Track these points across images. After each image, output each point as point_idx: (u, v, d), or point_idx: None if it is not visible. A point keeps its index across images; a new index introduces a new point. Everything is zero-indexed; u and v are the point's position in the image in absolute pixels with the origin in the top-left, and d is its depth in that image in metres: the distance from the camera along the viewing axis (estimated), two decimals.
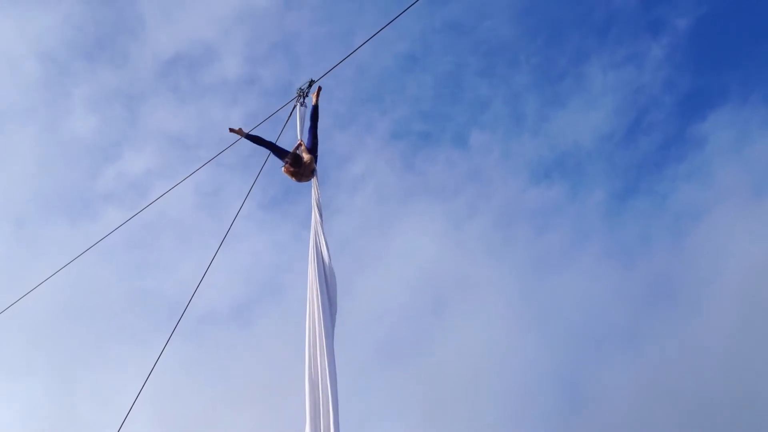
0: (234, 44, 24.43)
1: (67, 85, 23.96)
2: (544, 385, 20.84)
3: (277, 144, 8.70)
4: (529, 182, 24.89)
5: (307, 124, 8.80)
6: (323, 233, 7.73)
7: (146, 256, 22.85)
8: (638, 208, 23.71)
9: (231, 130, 8.75)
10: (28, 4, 23.80)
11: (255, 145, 8.64)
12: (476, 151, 25.12)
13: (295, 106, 9.03)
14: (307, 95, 9.02)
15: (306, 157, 8.36)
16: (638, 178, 24.49)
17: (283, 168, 8.30)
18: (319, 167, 8.38)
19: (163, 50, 23.72)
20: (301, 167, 8.26)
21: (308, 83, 8.99)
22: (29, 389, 20.01)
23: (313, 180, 8.27)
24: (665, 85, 24.76)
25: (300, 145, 8.60)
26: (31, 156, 23.34)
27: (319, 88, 8.91)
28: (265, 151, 8.72)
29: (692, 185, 23.48)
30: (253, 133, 8.73)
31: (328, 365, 7.01)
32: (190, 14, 24.20)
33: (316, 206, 7.97)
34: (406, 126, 25.41)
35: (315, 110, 8.82)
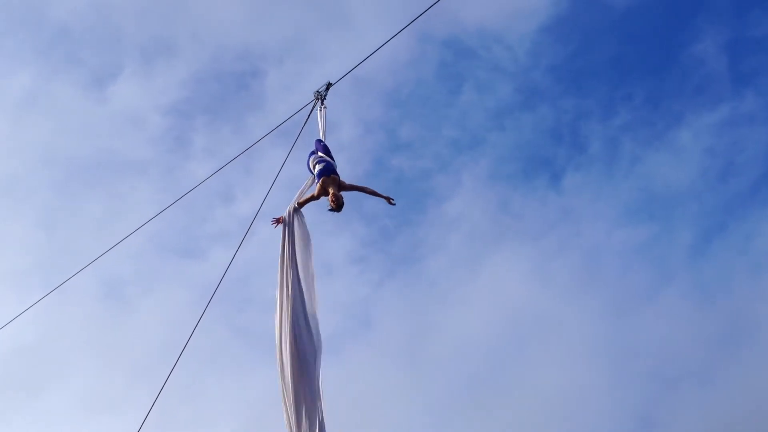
0: (347, 107, 25.62)
1: (188, 134, 25.82)
2: (621, 424, 20.43)
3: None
4: (617, 223, 24.98)
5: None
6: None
7: (249, 293, 23.74)
8: (722, 249, 23.20)
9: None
10: (154, 62, 26.15)
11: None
12: (569, 191, 25.34)
13: (313, 108, 9.28)
14: (324, 98, 9.29)
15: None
16: (725, 220, 24.05)
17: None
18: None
19: (280, 119, 25.17)
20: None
21: (326, 85, 9.29)
22: (129, 424, 20.58)
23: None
24: (756, 129, 24.32)
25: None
26: (150, 201, 24.88)
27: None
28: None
29: None
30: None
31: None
32: (306, 85, 25.56)
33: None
34: (503, 167, 26.05)
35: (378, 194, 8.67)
